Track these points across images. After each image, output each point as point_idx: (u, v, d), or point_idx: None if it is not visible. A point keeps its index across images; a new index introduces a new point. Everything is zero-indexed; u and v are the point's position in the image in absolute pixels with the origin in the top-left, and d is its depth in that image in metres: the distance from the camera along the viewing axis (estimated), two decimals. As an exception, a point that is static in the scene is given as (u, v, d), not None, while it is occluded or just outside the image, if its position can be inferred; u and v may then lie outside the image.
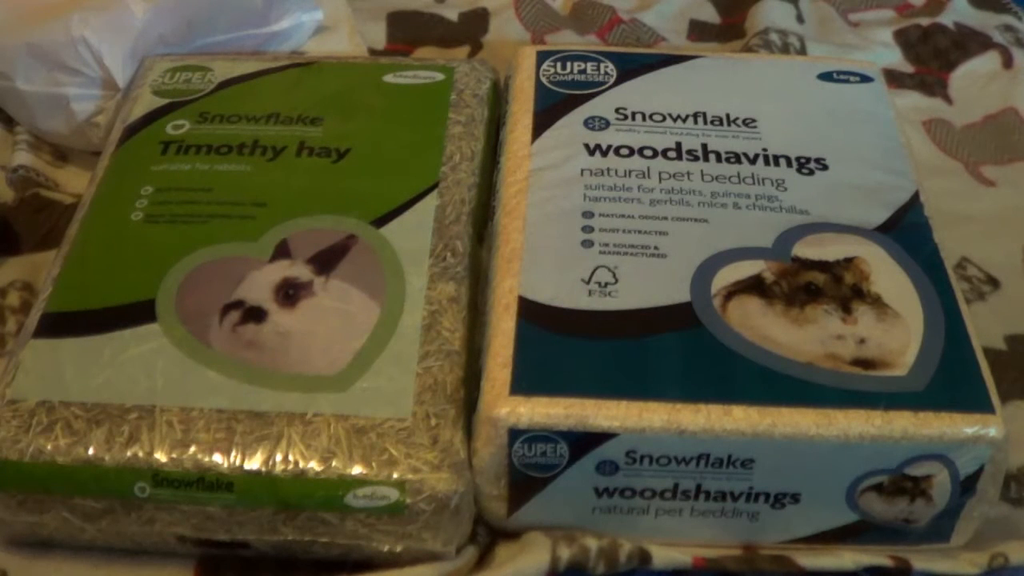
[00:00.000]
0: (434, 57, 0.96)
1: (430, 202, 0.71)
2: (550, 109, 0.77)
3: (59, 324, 0.65)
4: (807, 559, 0.62)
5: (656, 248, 0.67)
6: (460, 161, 0.75)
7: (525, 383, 0.60)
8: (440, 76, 0.81)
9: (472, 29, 1.01)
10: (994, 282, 0.81)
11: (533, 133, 0.75)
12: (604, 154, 0.73)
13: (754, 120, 0.76)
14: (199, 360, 0.63)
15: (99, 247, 0.69)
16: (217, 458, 0.59)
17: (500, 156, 0.76)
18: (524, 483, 0.61)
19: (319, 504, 0.59)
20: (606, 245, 0.67)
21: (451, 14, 1.03)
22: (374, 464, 0.59)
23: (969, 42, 1.00)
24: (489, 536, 0.64)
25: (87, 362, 0.63)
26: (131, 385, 0.62)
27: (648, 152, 0.73)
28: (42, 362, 0.63)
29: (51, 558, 0.63)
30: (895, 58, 0.99)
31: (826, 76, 0.81)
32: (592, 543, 0.61)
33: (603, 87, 0.79)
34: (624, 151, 0.73)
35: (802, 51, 0.97)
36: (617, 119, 0.76)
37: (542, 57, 0.81)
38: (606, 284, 0.65)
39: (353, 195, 0.72)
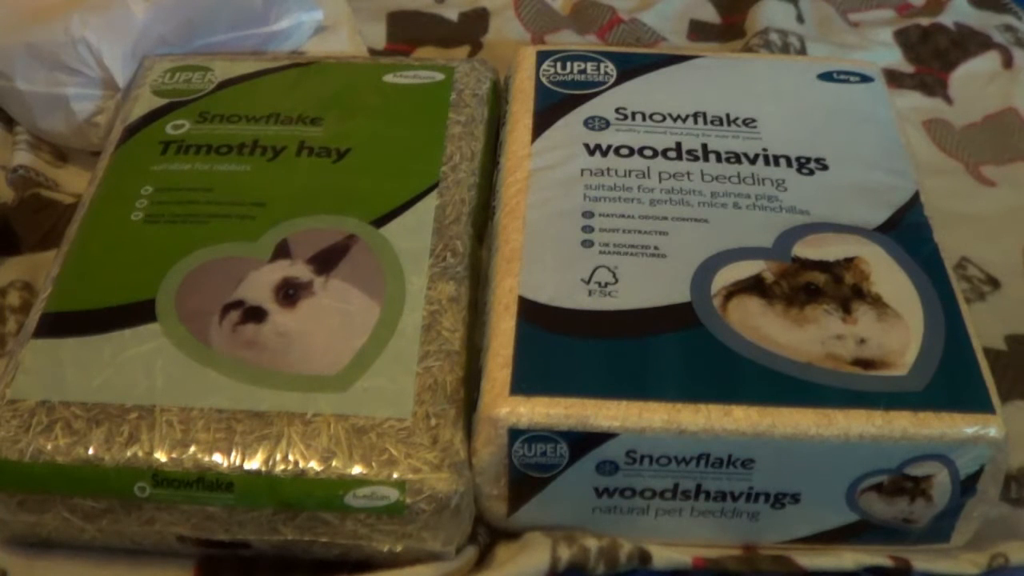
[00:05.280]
0: (434, 57, 0.96)
1: (430, 202, 0.71)
2: (550, 109, 0.77)
3: (59, 324, 0.65)
4: (807, 559, 0.62)
5: (656, 248, 0.67)
6: (460, 161, 0.75)
7: (525, 383, 0.60)
8: (440, 76, 0.81)
9: (472, 29, 1.01)
10: (994, 282, 0.81)
11: (533, 133, 0.75)
12: (604, 154, 0.73)
13: (754, 120, 0.76)
14: (199, 360, 0.63)
15: (99, 247, 0.69)
16: (217, 458, 0.59)
17: (500, 156, 0.76)
18: (524, 483, 0.61)
19: (319, 504, 0.59)
20: (606, 245, 0.67)
21: (451, 14, 1.03)
22: (374, 464, 0.59)
23: (969, 42, 1.00)
24: (489, 536, 0.64)
25: (87, 362, 0.63)
26: (131, 385, 0.62)
27: (648, 152, 0.73)
28: (42, 362, 0.63)
29: (51, 558, 0.63)
30: (895, 58, 0.99)
31: (826, 76, 0.81)
32: (592, 543, 0.61)
33: (603, 87, 0.79)
34: (624, 151, 0.73)
35: (802, 51, 0.97)
36: (617, 119, 0.76)
37: (542, 57, 0.81)
38: (606, 284, 0.65)
39: (353, 195, 0.72)
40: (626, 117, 0.76)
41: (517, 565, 0.60)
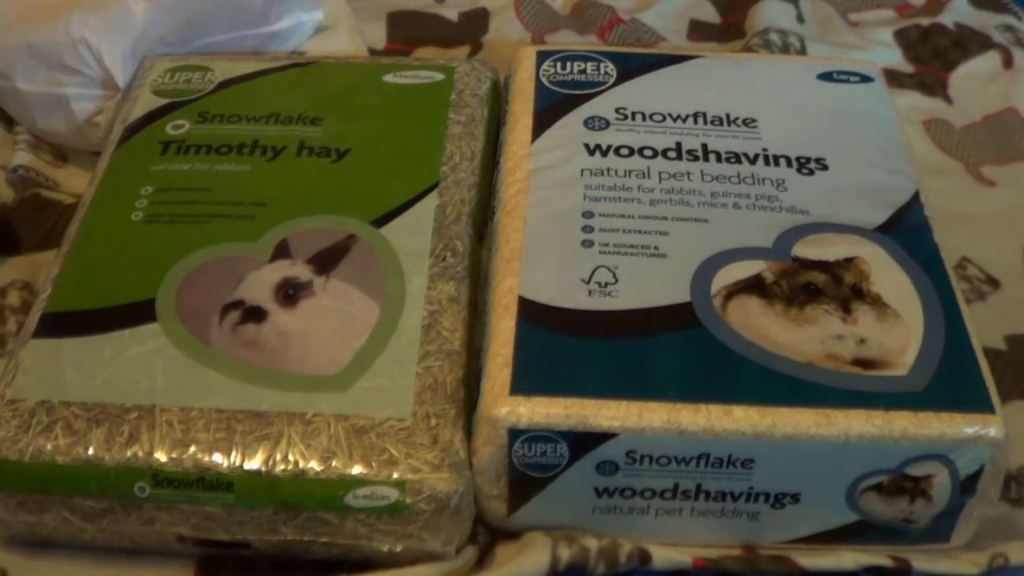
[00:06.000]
0: (434, 57, 0.96)
1: (430, 202, 0.71)
2: (550, 109, 0.77)
3: (59, 324, 0.65)
4: (807, 559, 0.62)
5: (656, 248, 0.67)
6: (460, 161, 0.75)
7: (525, 383, 0.60)
8: (440, 76, 0.81)
9: (472, 29, 1.01)
10: (994, 282, 0.81)
11: (533, 133, 0.75)
12: (604, 154, 0.73)
13: (754, 120, 0.76)
14: (199, 360, 0.63)
15: (99, 247, 0.69)
16: (217, 458, 0.59)
17: (500, 156, 0.76)
18: (524, 483, 0.61)
19: (319, 504, 0.59)
20: (606, 245, 0.67)
21: (451, 14, 1.03)
22: (374, 464, 0.59)
23: (969, 42, 1.00)
24: (489, 536, 0.64)
25: (87, 362, 0.63)
26: (131, 385, 0.62)
27: (648, 152, 0.73)
28: (42, 362, 0.63)
29: (51, 558, 0.64)
30: (895, 58, 0.99)
31: (826, 76, 0.81)
32: (592, 543, 0.61)
33: (603, 87, 0.79)
34: (624, 151, 0.73)
35: (802, 51, 0.97)
36: (617, 119, 0.76)
37: (542, 57, 0.81)
38: (606, 284, 0.65)
39: (353, 195, 0.72)
40: (626, 117, 0.76)
41: (517, 565, 0.60)
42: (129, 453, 0.59)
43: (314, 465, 0.59)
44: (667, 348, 0.62)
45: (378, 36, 1.00)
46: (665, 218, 0.69)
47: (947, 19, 1.02)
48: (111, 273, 0.68)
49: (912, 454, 0.59)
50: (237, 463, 0.59)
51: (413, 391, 0.62)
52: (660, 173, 0.72)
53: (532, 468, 0.60)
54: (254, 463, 0.59)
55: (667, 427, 0.59)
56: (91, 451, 0.59)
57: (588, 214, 0.69)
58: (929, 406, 0.59)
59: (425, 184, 0.72)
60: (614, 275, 0.65)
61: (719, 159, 0.73)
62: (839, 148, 0.74)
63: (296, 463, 0.59)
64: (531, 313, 0.64)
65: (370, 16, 1.01)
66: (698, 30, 1.03)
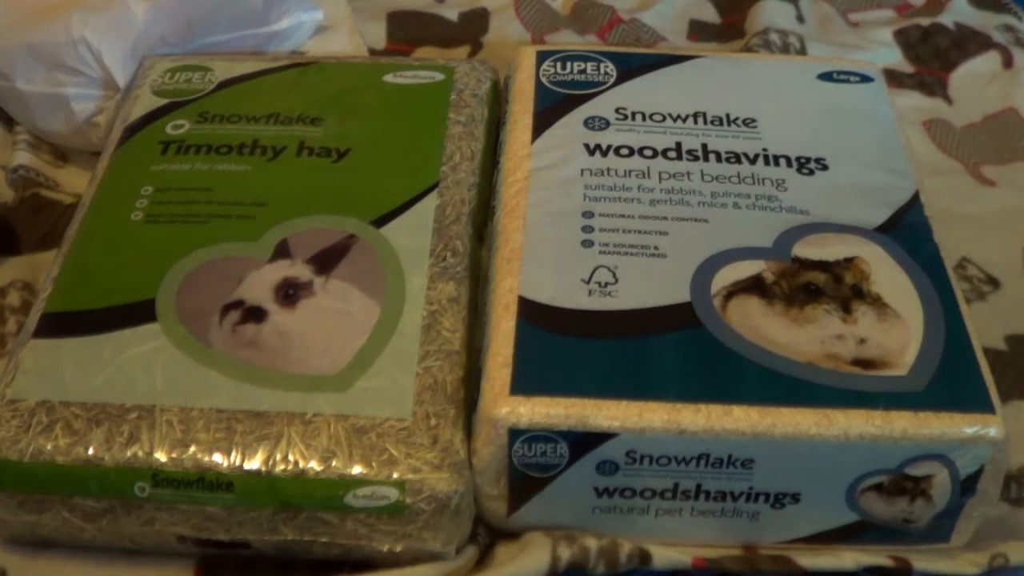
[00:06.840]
0: (434, 57, 0.96)
1: (430, 202, 0.71)
2: (550, 109, 0.77)
3: (59, 324, 0.65)
4: (807, 559, 0.62)
5: (656, 248, 0.67)
6: (460, 161, 0.75)
7: (525, 383, 0.60)
8: (440, 76, 0.81)
9: (472, 29, 1.01)
10: (994, 282, 0.81)
11: (533, 133, 0.75)
12: (604, 154, 0.73)
13: (754, 120, 0.76)
14: (199, 360, 0.63)
15: (99, 247, 0.69)
16: (217, 458, 0.59)
17: (500, 156, 0.76)
18: (524, 483, 0.61)
19: (319, 504, 0.59)
20: (606, 245, 0.67)
21: (451, 14, 1.03)
22: (374, 464, 0.59)
23: (969, 42, 1.00)
24: (489, 536, 0.64)
25: (87, 362, 0.63)
26: (131, 385, 0.62)
27: (648, 152, 0.73)
28: (42, 362, 0.63)
29: (51, 557, 0.64)
30: (895, 58, 0.99)
31: (826, 76, 0.81)
32: (592, 543, 0.61)
33: (603, 87, 0.79)
34: (624, 151, 0.73)
35: (802, 51, 0.97)
36: (617, 119, 0.76)
37: (542, 57, 0.81)
38: (606, 284, 0.65)
39: (353, 195, 0.72)
40: (626, 117, 0.76)
41: (517, 565, 0.60)
42: (129, 453, 0.59)
43: (314, 465, 0.59)
44: (667, 348, 0.62)
45: (378, 36, 1.00)
46: (665, 218, 0.69)
47: (947, 19, 1.02)
48: (111, 273, 0.68)
49: (912, 454, 0.59)
50: (237, 463, 0.59)
51: (413, 391, 0.62)
52: (660, 173, 0.72)
53: (532, 468, 0.60)
54: (254, 463, 0.59)
55: (667, 427, 0.59)
56: (91, 451, 0.60)
57: (588, 214, 0.69)
58: (929, 406, 0.59)
59: (425, 184, 0.72)
60: (614, 275, 0.65)
61: (719, 159, 0.73)
62: (839, 148, 0.74)
63: (296, 463, 0.59)
64: (531, 313, 0.64)
65: (370, 16, 1.01)
66: (698, 30, 1.03)
